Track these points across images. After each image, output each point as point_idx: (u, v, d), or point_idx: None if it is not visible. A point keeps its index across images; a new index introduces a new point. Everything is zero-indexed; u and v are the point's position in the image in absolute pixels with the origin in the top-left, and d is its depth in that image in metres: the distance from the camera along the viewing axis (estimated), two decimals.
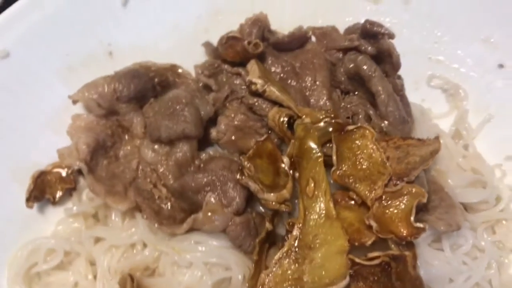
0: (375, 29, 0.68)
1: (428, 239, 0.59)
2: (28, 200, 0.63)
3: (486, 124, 0.73)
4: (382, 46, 0.69)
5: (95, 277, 0.62)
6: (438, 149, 0.62)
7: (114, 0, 0.71)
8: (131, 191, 0.62)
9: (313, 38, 0.74)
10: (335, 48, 0.72)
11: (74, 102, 0.65)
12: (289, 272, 0.53)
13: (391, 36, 0.68)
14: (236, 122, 0.64)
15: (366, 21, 0.69)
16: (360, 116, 0.66)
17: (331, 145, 0.59)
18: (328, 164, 0.58)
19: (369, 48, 0.69)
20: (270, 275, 0.54)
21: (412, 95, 0.73)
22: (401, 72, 0.71)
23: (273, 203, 0.55)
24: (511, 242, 0.68)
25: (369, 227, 0.53)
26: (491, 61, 0.75)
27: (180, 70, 0.72)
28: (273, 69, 0.69)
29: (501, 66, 0.76)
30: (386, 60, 0.70)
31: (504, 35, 0.74)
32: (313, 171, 0.56)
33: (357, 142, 0.58)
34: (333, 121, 0.60)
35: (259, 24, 0.72)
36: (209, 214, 0.56)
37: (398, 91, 0.69)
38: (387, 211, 0.53)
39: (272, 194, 0.56)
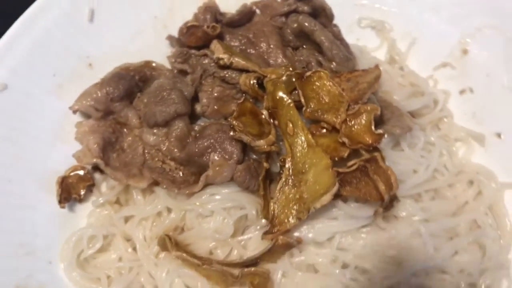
0: None
1: (390, 145, 0.74)
2: (60, 202, 0.74)
3: (412, 46, 0.88)
4: (315, 4, 0.84)
5: (134, 249, 0.74)
6: (379, 74, 0.77)
7: (82, 18, 0.81)
8: (146, 171, 0.73)
9: (258, 11, 0.88)
10: (278, 15, 0.85)
11: (75, 111, 0.76)
12: (291, 195, 0.67)
13: None
14: (215, 94, 0.77)
15: None
16: (313, 64, 0.80)
17: (297, 91, 0.72)
18: (298, 107, 0.72)
19: (305, 7, 0.83)
20: (277, 202, 0.67)
21: (349, 38, 0.87)
22: (335, 21, 0.86)
23: (264, 146, 0.68)
24: (454, 134, 0.85)
25: (343, 144, 0.67)
26: None
27: (154, 64, 0.83)
28: (232, 43, 0.81)
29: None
30: (321, 14, 0.84)
31: None
32: (289, 115, 0.70)
33: (317, 83, 0.71)
34: (293, 72, 0.73)
35: (211, 10, 0.84)
36: (217, 168, 0.68)
37: (337, 36, 0.84)
38: (353, 128, 0.67)
39: (261, 140, 0.69)
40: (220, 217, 0.69)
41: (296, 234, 0.68)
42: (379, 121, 0.74)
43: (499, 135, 0.81)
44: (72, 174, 0.76)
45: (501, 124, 0.81)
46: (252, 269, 0.67)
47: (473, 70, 0.84)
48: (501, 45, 0.82)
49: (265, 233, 0.66)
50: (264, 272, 0.67)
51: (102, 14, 0.83)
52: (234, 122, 0.70)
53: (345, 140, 0.66)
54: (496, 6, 0.82)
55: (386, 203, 0.65)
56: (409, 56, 0.88)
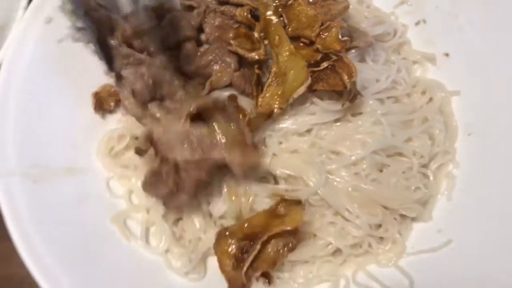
0: None
1: (356, 59, 0.93)
2: (95, 110, 0.93)
3: None
4: None
5: None
6: (348, 5, 0.95)
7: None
8: None
9: None
10: None
11: None
12: (274, 91, 0.86)
13: None
14: (216, 24, 0.96)
15: None
16: None
17: (282, 18, 0.92)
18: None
19: None
20: (264, 97, 0.86)
21: None
22: None
23: (256, 57, 0.87)
24: (412, 57, 1.03)
25: (317, 50, 0.86)
26: None
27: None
28: None
29: None
30: None
31: None
32: (276, 31, 0.89)
33: (297, 8, 0.90)
34: (278, 2, 0.93)
35: None
36: (219, 75, 0.87)
37: None
38: (324, 37, 0.86)
39: (253, 53, 0.88)
40: None
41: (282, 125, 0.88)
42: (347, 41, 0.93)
43: (447, 54, 1.00)
44: (104, 89, 0.95)
45: (448, 45, 1.00)
46: None
47: (425, 5, 1.03)
48: None
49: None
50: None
51: None
52: (231, 40, 0.89)
53: (319, 46, 0.85)
54: None
55: (350, 94, 0.84)
56: None
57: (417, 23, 1.04)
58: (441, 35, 1.01)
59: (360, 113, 0.90)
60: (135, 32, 0.92)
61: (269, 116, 0.85)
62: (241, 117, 0.83)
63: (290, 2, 0.91)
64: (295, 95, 0.84)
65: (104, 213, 0.87)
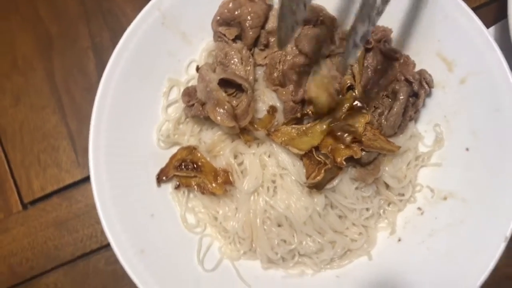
0: None
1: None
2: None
3: None
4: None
5: None
6: (395, 152, 1.11)
7: None
8: None
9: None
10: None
11: None
12: (288, 131, 1.08)
13: None
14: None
15: None
16: (379, 110, 1.14)
17: None
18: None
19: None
20: (279, 126, 1.09)
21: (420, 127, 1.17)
22: None
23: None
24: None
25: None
26: None
27: None
28: None
29: None
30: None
31: None
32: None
33: (359, 117, 1.07)
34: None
35: None
36: None
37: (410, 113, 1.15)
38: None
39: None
40: None
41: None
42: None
43: None
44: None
45: None
46: None
47: None
48: None
49: None
50: None
51: None
52: None
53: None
54: None
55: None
56: None
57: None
58: None
59: None
60: None
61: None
62: None
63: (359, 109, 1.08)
64: (290, 148, 1.05)
65: None
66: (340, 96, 1.09)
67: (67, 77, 1.39)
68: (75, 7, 1.42)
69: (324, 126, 1.06)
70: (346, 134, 1.03)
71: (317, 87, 1.06)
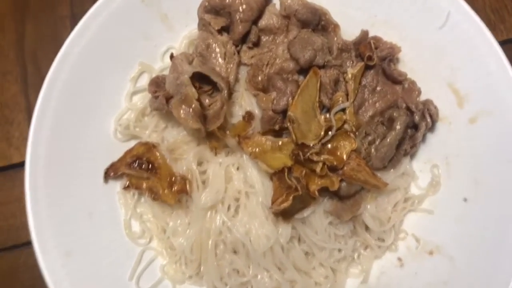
0: None
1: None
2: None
3: None
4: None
5: None
6: (381, 189, 0.94)
7: None
8: None
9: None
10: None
11: None
12: (260, 143, 0.92)
13: None
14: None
15: None
16: (370, 138, 0.98)
17: None
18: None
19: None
20: (253, 135, 0.93)
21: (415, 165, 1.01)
22: None
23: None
24: None
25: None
26: None
27: None
28: None
29: None
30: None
31: None
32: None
33: (344, 140, 0.91)
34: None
35: None
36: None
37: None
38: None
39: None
40: None
41: None
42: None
43: None
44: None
45: None
46: None
47: None
48: None
49: None
50: None
51: None
52: None
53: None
54: None
55: None
56: None
57: None
58: None
59: None
60: None
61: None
62: None
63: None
64: (259, 163, 0.90)
65: None
66: (328, 115, 0.93)
67: (37, 45, 1.25)
68: None
69: None
70: (325, 157, 0.88)
71: (303, 109, 0.91)
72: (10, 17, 1.26)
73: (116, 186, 1.01)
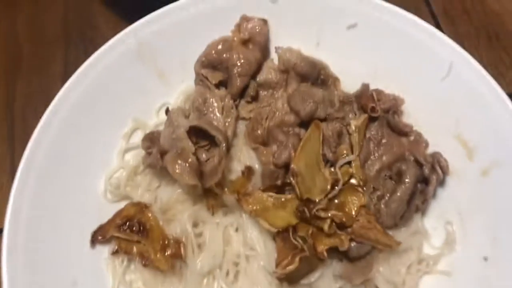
0: None
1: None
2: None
3: None
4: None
5: None
6: (394, 248, 0.87)
7: None
8: None
9: None
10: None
11: None
12: (261, 200, 0.85)
13: None
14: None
15: None
16: (378, 193, 0.92)
17: None
18: None
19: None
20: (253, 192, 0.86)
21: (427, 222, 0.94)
22: None
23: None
24: None
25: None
26: None
27: None
28: None
29: None
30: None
31: None
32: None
33: (353, 197, 0.85)
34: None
35: None
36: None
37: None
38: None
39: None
40: None
41: None
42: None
43: None
44: None
45: None
46: None
47: None
48: None
49: None
50: None
51: None
52: None
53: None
54: None
55: None
56: None
57: None
58: None
59: None
60: None
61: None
62: None
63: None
64: (261, 221, 0.82)
65: None
66: (332, 169, 0.88)
67: (27, 102, 1.21)
68: (56, 30, 1.28)
69: None
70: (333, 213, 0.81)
71: (306, 163, 0.86)
72: (1, 78, 1.24)
73: (104, 251, 0.93)
